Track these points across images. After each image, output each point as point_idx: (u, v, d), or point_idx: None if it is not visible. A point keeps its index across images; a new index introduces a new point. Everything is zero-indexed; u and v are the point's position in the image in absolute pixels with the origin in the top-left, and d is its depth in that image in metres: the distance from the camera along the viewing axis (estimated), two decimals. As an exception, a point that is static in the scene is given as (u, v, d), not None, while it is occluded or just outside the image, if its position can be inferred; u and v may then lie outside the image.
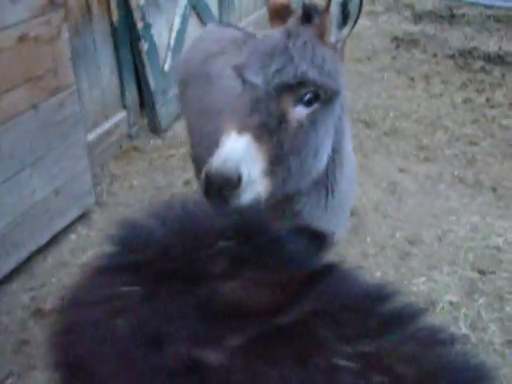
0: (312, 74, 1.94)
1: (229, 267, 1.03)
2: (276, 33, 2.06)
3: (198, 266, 1.04)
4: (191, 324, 1.00)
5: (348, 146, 2.36)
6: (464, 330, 3.44)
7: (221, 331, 0.99)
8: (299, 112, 1.96)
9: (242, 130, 1.87)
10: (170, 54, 5.19)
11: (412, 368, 0.97)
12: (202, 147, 2.93)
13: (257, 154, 1.87)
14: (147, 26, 4.83)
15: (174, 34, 5.24)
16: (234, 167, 1.81)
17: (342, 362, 0.96)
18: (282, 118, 1.93)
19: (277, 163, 1.93)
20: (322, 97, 1.97)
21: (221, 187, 1.82)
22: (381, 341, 1.00)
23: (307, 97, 1.96)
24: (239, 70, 2.05)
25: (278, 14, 2.21)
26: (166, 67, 5.16)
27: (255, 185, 1.90)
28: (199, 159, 3.08)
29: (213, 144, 2.01)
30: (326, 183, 2.26)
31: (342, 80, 2.09)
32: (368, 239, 4.07)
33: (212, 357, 0.99)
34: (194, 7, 5.54)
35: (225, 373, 1.00)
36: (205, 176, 1.84)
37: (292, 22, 2.08)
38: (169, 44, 5.20)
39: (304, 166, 2.04)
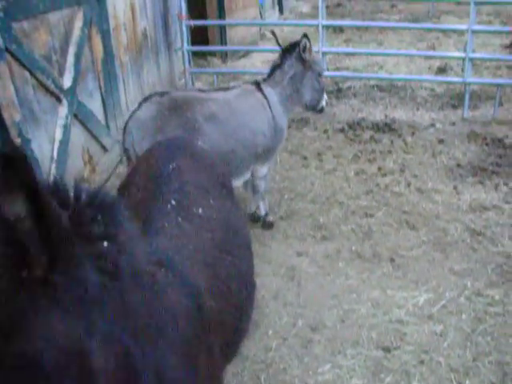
0: None
1: None
2: None
3: None
4: None
5: None
6: (372, 415, 3.38)
7: None
8: None
9: None
10: (54, 166, 5.09)
11: None
12: None
13: None
14: (25, 142, 4.73)
15: (56, 146, 5.16)
16: None
17: None
18: None
19: None
20: None
21: None
22: None
23: None
24: None
25: None
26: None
27: None
28: None
29: None
30: None
31: None
32: (270, 332, 3.98)
33: None
34: (75, 115, 5.50)
35: None
36: None
37: None
38: (52, 156, 5.11)
39: None
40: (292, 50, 5.00)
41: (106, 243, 1.37)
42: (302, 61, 4.98)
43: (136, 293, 1.48)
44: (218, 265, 2.27)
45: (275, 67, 5.09)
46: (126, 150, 4.55)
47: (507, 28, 10.50)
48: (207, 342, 1.94)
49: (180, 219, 2.29)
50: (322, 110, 5.40)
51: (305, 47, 4.93)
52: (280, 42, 5.22)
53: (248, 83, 5.18)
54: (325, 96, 5.32)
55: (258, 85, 5.03)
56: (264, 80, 5.10)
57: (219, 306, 2.11)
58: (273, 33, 5.36)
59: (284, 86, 5.02)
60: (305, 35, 4.93)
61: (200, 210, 2.41)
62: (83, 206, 1.36)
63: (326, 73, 8.28)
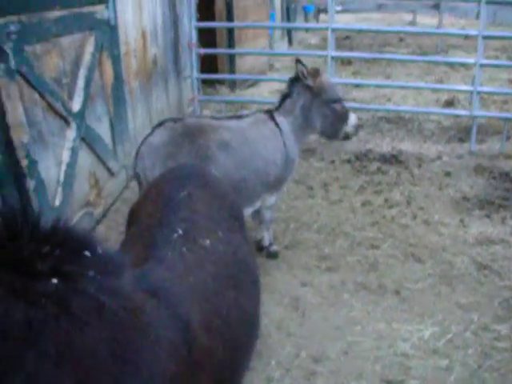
0: None
1: None
2: None
3: None
4: None
5: None
6: None
7: None
8: None
9: None
10: (60, 188, 5.08)
11: None
12: None
13: None
14: (33, 163, 4.73)
15: (63, 168, 5.16)
16: None
17: None
18: None
19: None
20: None
21: None
22: None
23: None
24: None
25: None
26: (57, 202, 5.04)
27: None
28: None
29: None
30: None
31: None
32: (272, 362, 3.91)
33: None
34: (83, 139, 5.51)
35: None
36: None
37: None
38: (58, 179, 5.10)
39: None
40: (299, 78, 4.95)
41: (55, 280, 1.30)
42: (309, 88, 4.92)
43: (96, 332, 1.39)
44: (219, 300, 2.22)
45: (285, 96, 5.06)
46: (136, 175, 4.53)
47: (515, 63, 10.55)
48: (195, 382, 1.87)
49: (184, 249, 2.26)
50: (347, 138, 5.24)
51: (303, 73, 4.86)
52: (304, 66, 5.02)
53: (261, 112, 5.14)
54: (351, 122, 5.08)
55: (270, 113, 5.01)
56: (276, 109, 5.07)
57: (214, 342, 2.05)
58: (298, 60, 5.05)
59: (296, 115, 4.98)
60: (297, 60, 4.87)
61: (207, 242, 2.38)
62: (29, 241, 1.30)
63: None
